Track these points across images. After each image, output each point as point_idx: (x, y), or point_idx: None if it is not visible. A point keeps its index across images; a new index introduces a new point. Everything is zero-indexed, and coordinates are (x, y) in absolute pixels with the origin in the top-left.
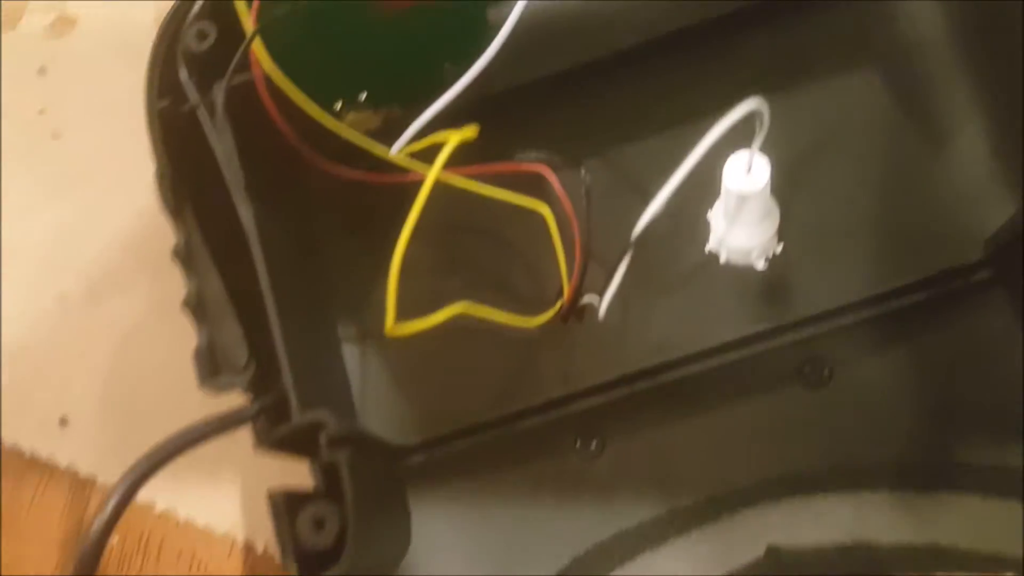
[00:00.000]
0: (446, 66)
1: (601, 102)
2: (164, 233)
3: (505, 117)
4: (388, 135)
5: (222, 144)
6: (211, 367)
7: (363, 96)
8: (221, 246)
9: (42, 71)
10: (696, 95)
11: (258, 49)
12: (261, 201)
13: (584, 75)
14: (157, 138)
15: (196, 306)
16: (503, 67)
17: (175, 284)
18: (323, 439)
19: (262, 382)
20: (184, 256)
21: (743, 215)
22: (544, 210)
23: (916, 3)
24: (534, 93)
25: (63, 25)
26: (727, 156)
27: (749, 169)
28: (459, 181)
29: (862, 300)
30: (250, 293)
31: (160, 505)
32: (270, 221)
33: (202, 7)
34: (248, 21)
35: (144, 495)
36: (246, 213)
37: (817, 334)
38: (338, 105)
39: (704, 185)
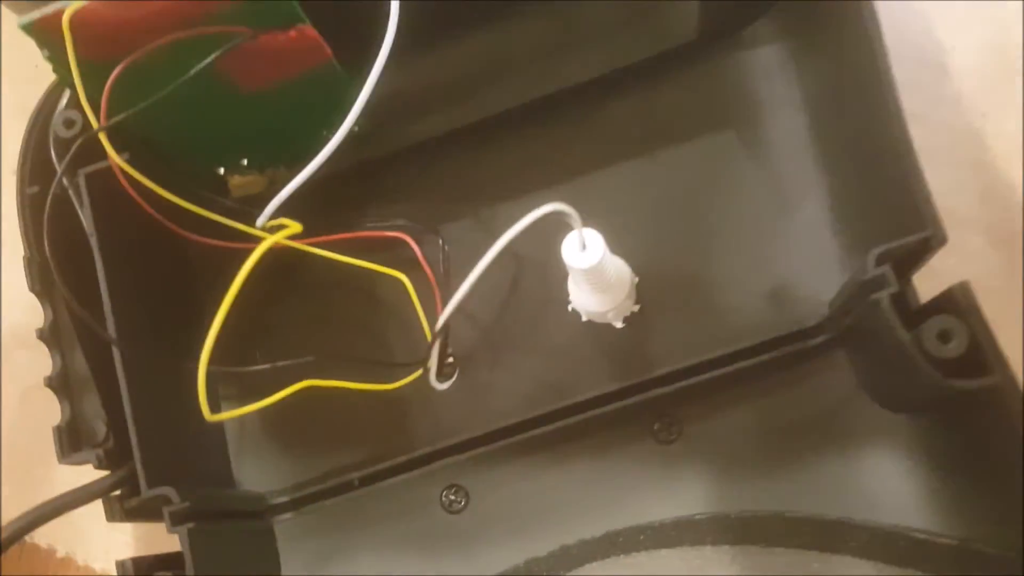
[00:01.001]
0: (323, 132)
1: (464, 168)
2: None
3: (374, 182)
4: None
5: (86, 223)
6: (71, 443)
7: (244, 161)
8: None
9: None
10: (555, 161)
11: (106, 143)
12: (131, 273)
13: (448, 142)
14: (27, 223)
15: (59, 384)
16: (368, 137)
17: None
18: (166, 514)
19: (120, 455)
20: (48, 336)
21: (591, 284)
22: (403, 278)
23: (768, 69)
24: (403, 159)
25: None
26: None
27: (584, 247)
28: (323, 251)
29: (713, 359)
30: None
31: (61, 551)
32: (134, 294)
33: (71, 98)
34: (93, 118)
35: (44, 540)
36: (105, 290)
37: (670, 391)
38: (220, 170)
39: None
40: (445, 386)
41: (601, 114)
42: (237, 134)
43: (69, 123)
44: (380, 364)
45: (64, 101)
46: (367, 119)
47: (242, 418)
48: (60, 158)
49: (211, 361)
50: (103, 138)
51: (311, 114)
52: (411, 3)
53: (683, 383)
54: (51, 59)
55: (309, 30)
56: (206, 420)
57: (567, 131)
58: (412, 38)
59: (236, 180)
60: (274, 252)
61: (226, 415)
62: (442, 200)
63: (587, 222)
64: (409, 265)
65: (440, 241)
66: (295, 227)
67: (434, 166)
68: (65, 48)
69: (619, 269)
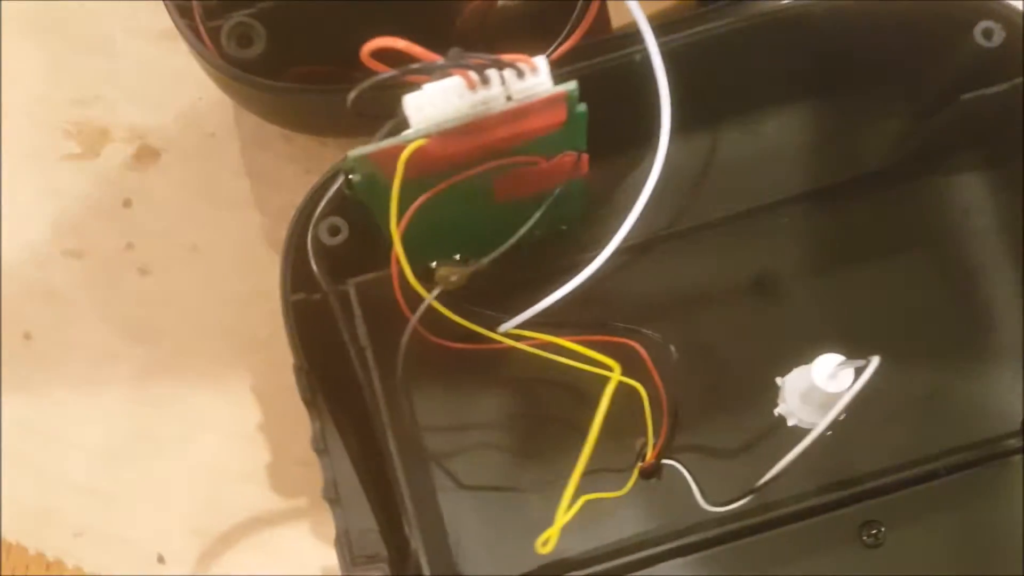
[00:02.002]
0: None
1: (660, 274)
2: (251, 368)
3: (595, 280)
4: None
5: (351, 333)
6: (351, 555)
7: (457, 255)
8: (352, 432)
9: (127, 203)
10: (745, 272)
11: (403, 258)
12: (385, 383)
13: (640, 249)
14: (293, 332)
15: (332, 495)
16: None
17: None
18: None
19: (400, 564)
20: (320, 447)
21: (822, 403)
22: (639, 389)
23: (971, 191)
24: (624, 258)
25: (147, 157)
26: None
27: (836, 374)
28: (558, 356)
29: (914, 462)
30: (382, 475)
31: None
32: (394, 401)
33: (329, 202)
34: (399, 244)
35: None
36: (376, 400)
37: (874, 494)
38: (433, 263)
39: (773, 352)
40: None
41: (808, 224)
42: (472, 235)
43: (334, 230)
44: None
45: (321, 205)
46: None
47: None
48: (325, 265)
49: None
50: (400, 253)
51: (544, 216)
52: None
53: (887, 484)
54: (359, 184)
55: (585, 156)
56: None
57: (762, 243)
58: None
59: (443, 272)
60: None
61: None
62: (640, 303)
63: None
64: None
65: (672, 348)
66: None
67: (630, 269)
68: (377, 174)
69: None
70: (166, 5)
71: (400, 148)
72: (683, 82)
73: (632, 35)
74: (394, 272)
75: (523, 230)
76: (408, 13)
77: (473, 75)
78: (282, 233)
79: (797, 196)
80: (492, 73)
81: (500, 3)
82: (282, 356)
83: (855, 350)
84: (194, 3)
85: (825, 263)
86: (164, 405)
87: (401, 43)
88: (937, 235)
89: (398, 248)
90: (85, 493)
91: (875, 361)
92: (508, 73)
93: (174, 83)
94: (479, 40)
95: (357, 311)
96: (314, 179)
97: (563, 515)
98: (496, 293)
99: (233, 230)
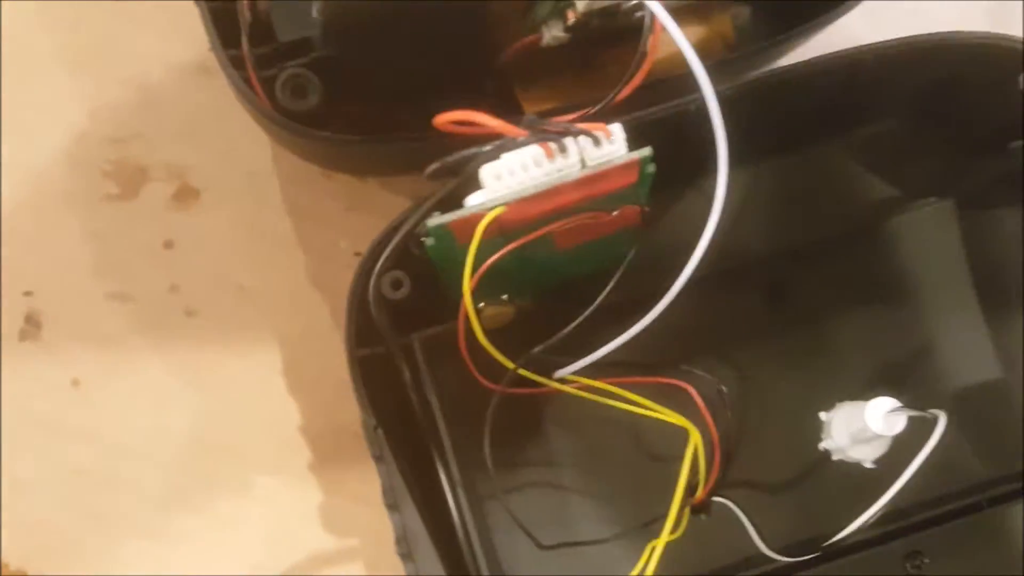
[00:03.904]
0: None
1: (726, 306)
2: (300, 409)
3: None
4: None
5: (417, 386)
6: None
7: (505, 296)
8: (417, 482)
9: (169, 244)
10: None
11: (472, 313)
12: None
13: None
14: (361, 388)
15: (404, 549)
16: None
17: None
18: None
19: None
20: (391, 502)
21: (870, 442)
22: (692, 432)
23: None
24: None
25: (187, 196)
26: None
27: (889, 418)
28: (616, 402)
29: (958, 494)
30: (445, 522)
31: None
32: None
33: (390, 256)
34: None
35: None
36: (444, 451)
37: (919, 527)
38: (481, 304)
39: (815, 385)
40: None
41: (842, 266)
42: (524, 278)
43: (397, 284)
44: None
45: (382, 260)
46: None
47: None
48: (388, 319)
49: None
50: (471, 313)
51: (597, 258)
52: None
53: (931, 516)
54: (431, 247)
55: (646, 207)
56: None
57: (805, 279)
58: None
59: (490, 311)
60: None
61: None
62: (686, 338)
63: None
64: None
65: (723, 389)
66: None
67: (676, 305)
68: (450, 238)
69: None
70: (216, 55)
71: (478, 217)
72: (732, 123)
73: (681, 79)
74: (460, 331)
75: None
76: (454, 54)
77: (552, 145)
78: (326, 271)
79: (840, 234)
80: (568, 141)
81: (544, 43)
82: (330, 396)
83: (894, 384)
84: (246, 53)
85: (866, 299)
86: (216, 447)
87: (478, 116)
88: (978, 274)
89: (470, 310)
90: (145, 537)
91: (943, 419)
92: (583, 140)
93: (212, 120)
94: (522, 78)
95: (423, 365)
96: (356, 216)
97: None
98: (543, 330)
99: (278, 269)
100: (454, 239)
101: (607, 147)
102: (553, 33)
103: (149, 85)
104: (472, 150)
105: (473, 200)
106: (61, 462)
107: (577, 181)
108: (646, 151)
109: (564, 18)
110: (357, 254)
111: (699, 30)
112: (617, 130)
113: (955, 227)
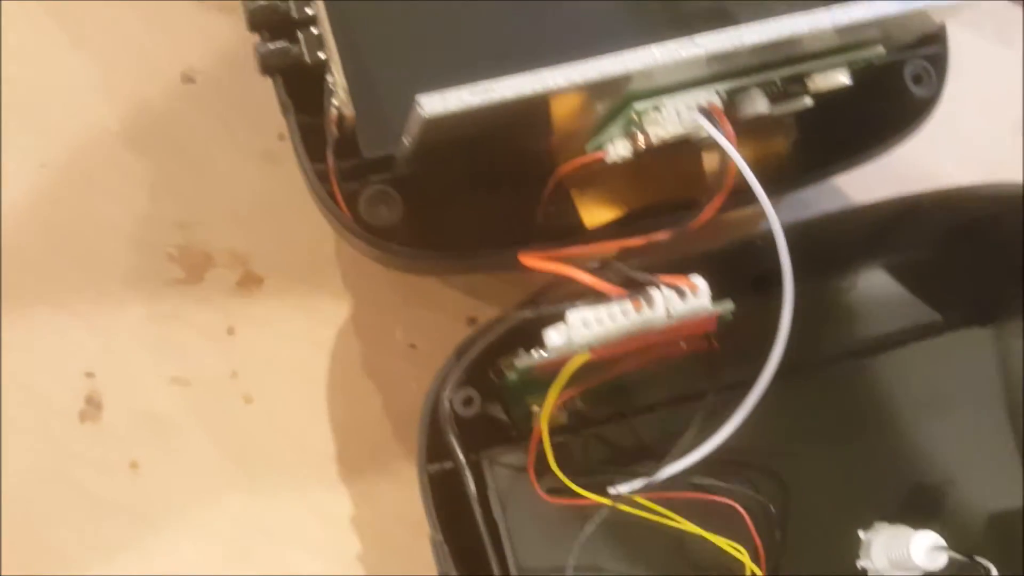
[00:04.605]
0: None
1: (769, 418)
2: (352, 498)
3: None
4: None
5: (484, 504)
6: None
7: None
8: None
9: (231, 331)
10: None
11: (547, 448)
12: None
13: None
14: (430, 504)
15: None
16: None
17: None
18: None
19: None
20: None
21: (911, 569)
22: (746, 562)
23: None
24: None
25: (250, 283)
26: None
27: (933, 553)
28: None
29: None
30: None
31: None
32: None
33: (464, 374)
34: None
35: None
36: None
37: None
38: (535, 407)
39: (854, 501)
40: None
41: (884, 379)
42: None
43: (467, 401)
44: None
45: (456, 377)
46: None
47: None
48: (459, 435)
49: None
50: (547, 447)
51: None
52: None
53: None
54: (511, 382)
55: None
56: None
57: (848, 391)
58: None
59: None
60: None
61: None
62: (732, 449)
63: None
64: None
65: (771, 508)
66: None
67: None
68: (534, 374)
69: None
70: (303, 169)
71: (564, 361)
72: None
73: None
74: (531, 459)
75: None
76: (521, 166)
77: (640, 299)
78: (381, 361)
79: (878, 353)
80: (655, 293)
81: (608, 161)
82: (380, 488)
83: (929, 506)
84: (331, 168)
85: (903, 417)
86: (270, 532)
87: (573, 272)
88: (1012, 399)
89: (546, 442)
90: None
91: (994, 572)
92: (668, 292)
93: (277, 207)
94: (578, 181)
95: (491, 484)
96: (413, 308)
97: None
98: (596, 434)
99: (333, 356)
100: (535, 375)
101: (692, 301)
102: (620, 153)
103: (215, 171)
104: (566, 305)
105: (555, 338)
106: (123, 548)
107: (660, 330)
108: (728, 305)
109: (634, 142)
110: (412, 346)
111: (757, 147)
112: (702, 284)
113: (991, 351)
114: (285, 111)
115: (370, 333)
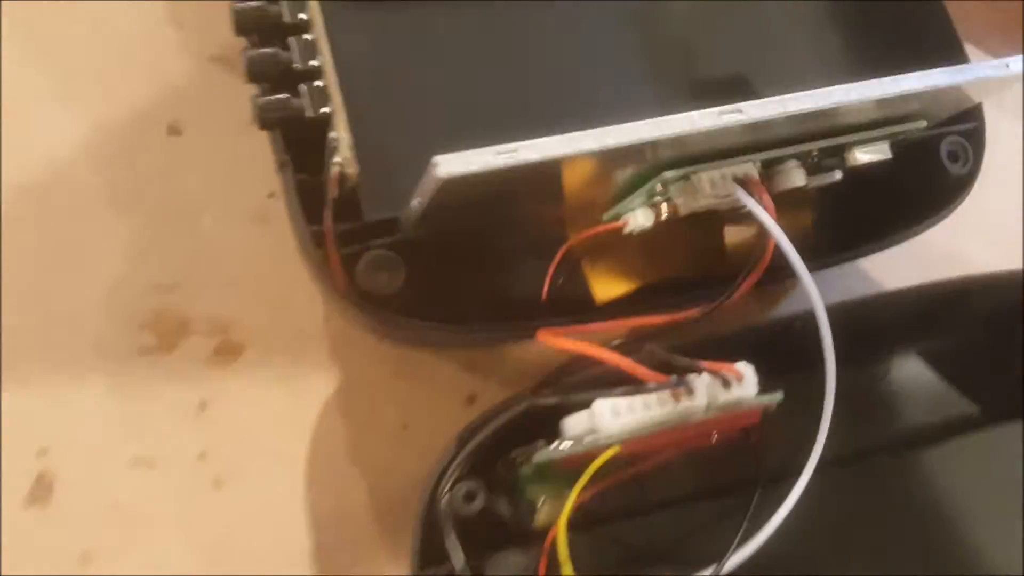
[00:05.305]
0: None
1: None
2: None
3: None
4: None
5: None
6: None
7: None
8: None
9: (203, 406)
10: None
11: (564, 555)
12: None
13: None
14: None
15: None
16: None
17: None
18: None
19: None
20: None
21: None
22: None
23: None
24: None
25: (227, 353)
26: None
27: None
28: None
29: None
30: None
31: None
32: None
33: (463, 464)
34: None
35: None
36: None
37: None
38: (543, 498)
39: None
40: None
41: (920, 471)
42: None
43: (470, 496)
44: None
45: (454, 470)
46: None
47: None
48: (462, 534)
49: None
50: (564, 554)
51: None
52: None
53: None
54: (525, 476)
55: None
56: None
57: (881, 484)
58: None
59: (550, 507)
60: None
61: None
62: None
63: None
64: None
65: None
66: None
67: None
68: (554, 472)
69: None
70: (297, 233)
71: (591, 456)
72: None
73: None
74: (543, 568)
75: None
76: (530, 239)
77: (680, 389)
78: (368, 442)
79: (909, 444)
80: (696, 380)
81: (627, 231)
82: None
83: None
84: (328, 231)
85: (931, 512)
86: None
87: (601, 353)
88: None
89: (563, 553)
90: None
91: None
92: (712, 379)
93: (263, 272)
94: (589, 251)
95: None
96: (404, 383)
97: None
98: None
99: (315, 437)
100: (554, 468)
101: (736, 390)
102: (640, 223)
103: (198, 231)
104: (598, 392)
105: (575, 426)
106: None
107: (696, 423)
108: (777, 396)
109: (657, 213)
110: (404, 426)
111: (783, 221)
112: (748, 372)
113: None
114: (281, 168)
115: (358, 411)
